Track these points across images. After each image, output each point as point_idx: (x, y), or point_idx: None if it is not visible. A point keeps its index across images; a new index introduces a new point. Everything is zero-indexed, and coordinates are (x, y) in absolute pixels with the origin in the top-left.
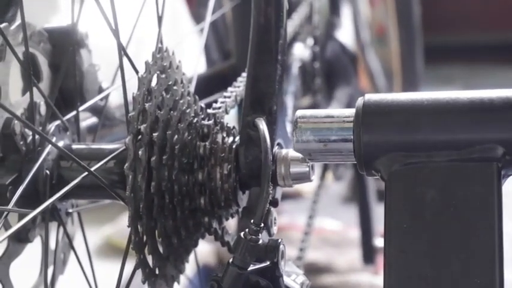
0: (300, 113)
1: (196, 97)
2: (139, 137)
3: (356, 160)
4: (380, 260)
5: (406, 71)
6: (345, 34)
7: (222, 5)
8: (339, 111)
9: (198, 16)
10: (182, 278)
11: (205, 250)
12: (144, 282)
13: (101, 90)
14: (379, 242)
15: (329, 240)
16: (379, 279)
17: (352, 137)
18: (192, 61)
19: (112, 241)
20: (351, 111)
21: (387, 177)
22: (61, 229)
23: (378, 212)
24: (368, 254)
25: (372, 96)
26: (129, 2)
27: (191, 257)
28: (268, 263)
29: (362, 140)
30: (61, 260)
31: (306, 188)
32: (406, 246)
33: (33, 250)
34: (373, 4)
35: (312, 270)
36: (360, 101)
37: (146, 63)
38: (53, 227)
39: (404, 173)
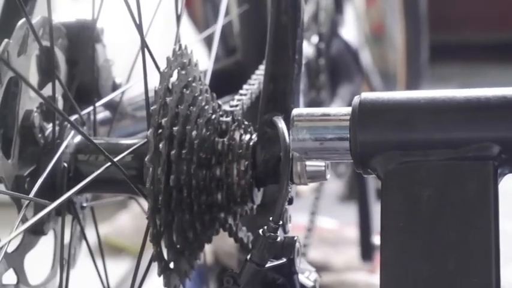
0: (296, 111)
1: (214, 94)
2: (160, 130)
3: (352, 159)
4: (378, 258)
5: (411, 69)
6: (348, 32)
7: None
8: (336, 109)
9: (200, 17)
10: None
11: None
12: (160, 275)
13: (114, 85)
14: (377, 240)
15: (326, 239)
16: (375, 278)
17: (348, 135)
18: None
19: (108, 240)
20: (348, 110)
21: (383, 175)
22: (74, 223)
23: (377, 210)
24: (366, 251)
25: (368, 95)
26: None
27: None
28: (284, 260)
29: (358, 139)
30: (72, 254)
31: (304, 187)
32: (402, 245)
33: (46, 244)
34: (370, 2)
35: None
36: (356, 100)
37: (168, 59)
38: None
39: (401, 172)
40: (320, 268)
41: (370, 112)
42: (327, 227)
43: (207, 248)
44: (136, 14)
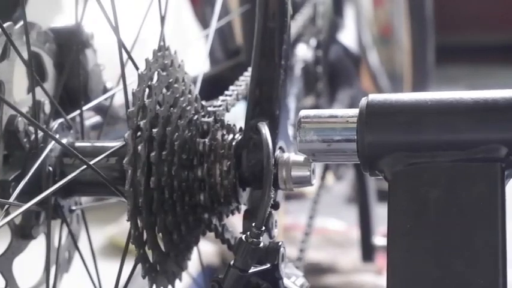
0: (303, 113)
1: (198, 95)
2: (139, 133)
3: (360, 160)
4: (379, 258)
5: (417, 70)
6: (348, 35)
7: (226, 6)
8: (343, 111)
9: (202, 17)
10: (186, 277)
11: (208, 250)
12: (144, 277)
13: (105, 90)
14: (378, 240)
15: (332, 241)
16: (382, 279)
17: (355, 137)
18: (197, 61)
19: (116, 241)
20: (355, 111)
21: (391, 177)
22: (64, 227)
23: (378, 211)
24: (367, 252)
25: (375, 97)
26: (134, 3)
27: (195, 256)
28: (268, 265)
29: (366, 140)
30: (66, 258)
31: (310, 188)
32: (410, 246)
33: (37, 249)
34: (378, 4)
35: (316, 270)
36: (363, 101)
37: (147, 60)
38: (58, 225)
39: (408, 173)
40: (327, 269)
41: (378, 113)
42: (334, 229)
43: (214, 249)
44: (112, 16)
